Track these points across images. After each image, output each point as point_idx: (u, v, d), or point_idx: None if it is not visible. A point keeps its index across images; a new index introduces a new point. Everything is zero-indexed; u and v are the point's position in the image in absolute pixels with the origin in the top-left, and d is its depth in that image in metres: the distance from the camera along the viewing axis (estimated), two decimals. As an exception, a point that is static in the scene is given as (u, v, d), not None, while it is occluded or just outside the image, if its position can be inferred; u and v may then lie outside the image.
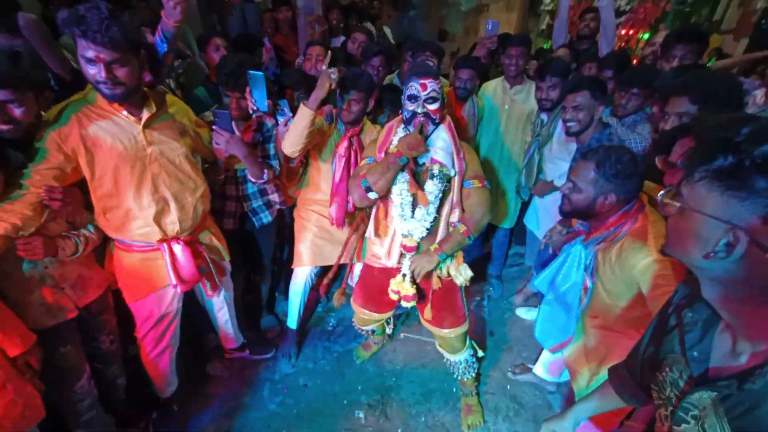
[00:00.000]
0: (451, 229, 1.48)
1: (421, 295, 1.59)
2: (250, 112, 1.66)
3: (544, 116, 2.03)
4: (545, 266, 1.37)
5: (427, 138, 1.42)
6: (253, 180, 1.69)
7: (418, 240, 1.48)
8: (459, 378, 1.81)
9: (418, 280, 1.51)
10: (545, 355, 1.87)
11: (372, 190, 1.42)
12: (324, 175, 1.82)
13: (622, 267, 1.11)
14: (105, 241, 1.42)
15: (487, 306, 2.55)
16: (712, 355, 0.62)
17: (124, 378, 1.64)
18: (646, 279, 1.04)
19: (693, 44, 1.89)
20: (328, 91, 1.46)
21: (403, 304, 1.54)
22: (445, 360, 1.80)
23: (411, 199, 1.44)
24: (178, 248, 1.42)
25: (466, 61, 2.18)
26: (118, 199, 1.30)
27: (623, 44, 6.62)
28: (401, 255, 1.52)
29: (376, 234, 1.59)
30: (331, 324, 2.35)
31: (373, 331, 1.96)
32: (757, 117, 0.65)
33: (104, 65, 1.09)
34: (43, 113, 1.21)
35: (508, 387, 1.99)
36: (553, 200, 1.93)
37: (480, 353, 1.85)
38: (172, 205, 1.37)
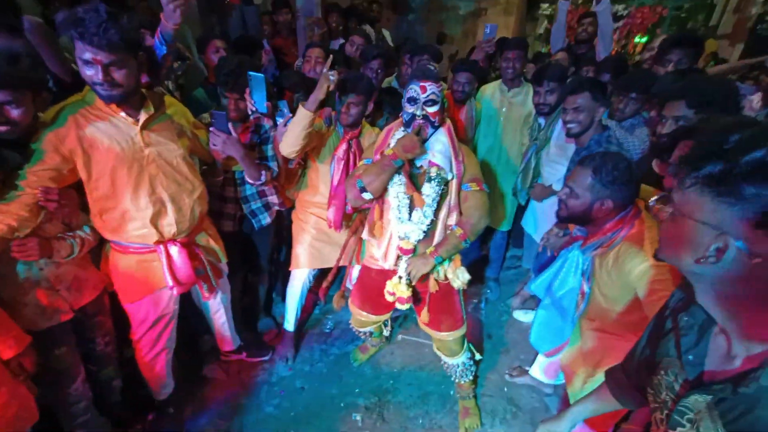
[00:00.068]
0: (448, 232, 1.48)
1: (416, 297, 1.59)
2: (249, 113, 1.66)
3: (541, 120, 2.04)
4: (543, 270, 1.37)
5: (425, 141, 1.42)
6: (250, 181, 1.69)
7: (415, 243, 1.48)
8: (456, 381, 1.81)
9: (414, 283, 1.51)
10: (542, 358, 1.87)
11: (367, 191, 1.42)
12: (322, 177, 1.82)
13: (618, 272, 1.11)
14: (101, 242, 1.42)
15: (485, 308, 2.55)
16: (707, 359, 0.62)
17: (120, 380, 1.64)
18: (643, 284, 1.04)
19: (688, 49, 1.91)
20: (327, 92, 1.47)
21: (398, 306, 1.54)
22: (442, 363, 1.80)
23: (408, 201, 1.44)
24: (174, 250, 1.41)
25: (464, 64, 2.19)
26: (115, 200, 1.29)
27: (620, 49, 6.68)
28: (398, 257, 1.52)
29: (371, 234, 1.59)
30: (328, 326, 2.35)
31: (370, 333, 1.96)
32: (758, 121, 0.66)
33: (102, 67, 1.09)
34: (40, 114, 1.21)
35: (506, 389, 1.99)
36: (551, 204, 1.94)
37: (477, 356, 1.86)
38: (169, 207, 1.37)
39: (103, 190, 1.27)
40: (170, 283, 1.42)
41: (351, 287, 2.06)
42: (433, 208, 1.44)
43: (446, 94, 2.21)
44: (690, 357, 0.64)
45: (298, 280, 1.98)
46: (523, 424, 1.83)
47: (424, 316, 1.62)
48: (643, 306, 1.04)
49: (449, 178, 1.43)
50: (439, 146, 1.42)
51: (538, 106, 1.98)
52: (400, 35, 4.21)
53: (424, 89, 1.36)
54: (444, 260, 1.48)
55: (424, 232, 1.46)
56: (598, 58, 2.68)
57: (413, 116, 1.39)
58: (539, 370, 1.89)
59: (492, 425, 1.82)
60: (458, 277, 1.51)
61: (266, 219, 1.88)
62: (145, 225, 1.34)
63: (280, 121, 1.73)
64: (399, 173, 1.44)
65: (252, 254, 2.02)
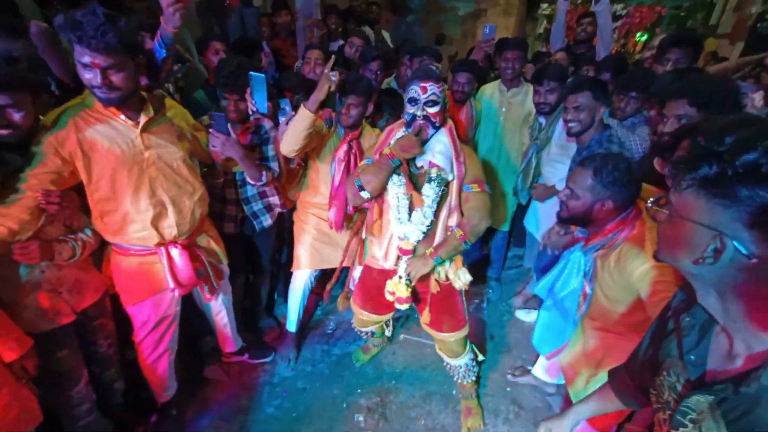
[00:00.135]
0: (448, 233, 1.49)
1: (416, 298, 1.59)
2: (250, 113, 1.66)
3: (542, 120, 2.04)
4: (545, 270, 1.37)
5: (426, 141, 1.42)
6: (251, 182, 1.69)
7: (415, 243, 1.48)
8: (459, 381, 1.80)
9: (413, 283, 1.51)
10: (542, 357, 1.87)
11: (365, 190, 1.43)
12: (323, 178, 1.82)
13: (620, 273, 1.11)
14: (102, 244, 1.42)
15: (487, 308, 2.55)
16: (708, 359, 0.62)
17: (123, 382, 1.64)
18: (645, 285, 1.04)
19: (687, 48, 1.91)
20: (327, 93, 1.46)
21: (398, 306, 1.54)
22: (445, 363, 1.79)
23: (407, 202, 1.44)
24: (175, 252, 1.42)
25: (463, 64, 2.19)
26: (116, 203, 1.29)
27: (620, 48, 6.68)
28: (398, 257, 1.52)
29: (369, 233, 1.59)
30: (330, 327, 2.35)
31: (372, 333, 1.96)
32: (761, 119, 0.66)
33: (100, 70, 1.09)
34: (41, 117, 1.21)
35: (508, 389, 1.99)
36: (553, 203, 1.94)
37: (480, 357, 1.85)
38: (170, 209, 1.37)
39: (103, 193, 1.27)
40: (171, 284, 1.42)
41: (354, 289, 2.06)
42: (433, 209, 1.43)
43: (446, 94, 2.21)
44: (692, 357, 0.64)
45: (300, 280, 1.98)
46: (526, 423, 1.83)
47: (425, 316, 1.62)
48: (646, 307, 1.04)
49: (449, 179, 1.43)
50: (440, 147, 1.41)
51: (538, 106, 1.99)
52: (399, 36, 4.21)
53: (424, 90, 1.36)
54: (443, 261, 1.47)
55: (424, 233, 1.46)
56: (598, 58, 2.68)
57: (414, 117, 1.39)
58: (541, 370, 1.89)
59: (495, 425, 1.82)
60: (460, 278, 1.51)
61: (267, 220, 1.88)
62: (145, 227, 1.34)
63: (282, 119, 1.73)
64: (399, 174, 1.44)
65: (253, 256, 2.02)
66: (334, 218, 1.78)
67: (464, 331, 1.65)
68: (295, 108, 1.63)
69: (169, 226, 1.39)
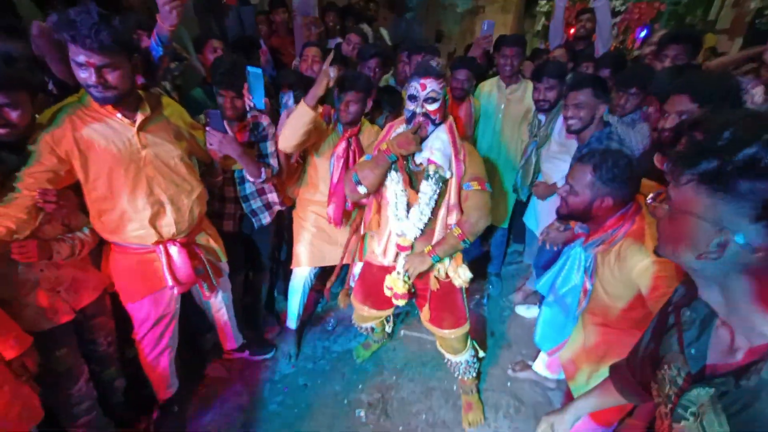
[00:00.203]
0: (447, 231, 1.49)
1: (411, 294, 1.58)
2: (248, 109, 1.65)
3: (541, 117, 2.04)
4: (545, 267, 1.37)
5: (425, 138, 1.42)
6: (251, 179, 1.69)
7: (412, 240, 1.48)
8: (459, 377, 1.81)
9: (411, 280, 1.51)
10: (544, 353, 1.88)
11: (361, 184, 1.43)
12: (322, 175, 1.82)
13: (621, 269, 1.12)
14: (101, 243, 1.42)
15: (487, 304, 2.56)
16: (709, 353, 0.62)
17: (123, 380, 1.64)
18: (645, 280, 1.05)
19: (686, 44, 1.91)
20: (326, 88, 1.45)
21: (394, 301, 1.54)
22: (445, 360, 1.80)
23: (405, 199, 1.44)
24: (174, 250, 1.42)
25: (462, 61, 2.19)
26: (113, 201, 1.29)
27: (619, 44, 6.67)
28: (397, 254, 1.52)
29: (366, 228, 1.59)
30: (330, 324, 2.35)
31: (372, 329, 1.96)
32: (762, 114, 0.66)
33: (95, 69, 1.08)
34: (37, 116, 1.20)
35: (509, 384, 2.00)
36: (553, 199, 1.94)
37: (481, 353, 1.85)
38: (168, 208, 1.37)
39: (100, 192, 1.27)
40: (170, 282, 1.42)
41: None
42: (431, 206, 1.43)
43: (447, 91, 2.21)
44: (692, 351, 0.64)
45: (300, 278, 1.98)
46: (527, 418, 1.84)
47: (425, 313, 1.62)
48: (647, 302, 1.05)
49: (447, 176, 1.42)
50: (439, 144, 1.41)
51: (537, 103, 1.98)
52: (397, 34, 4.19)
53: (424, 86, 1.35)
54: (441, 259, 1.47)
55: (421, 230, 1.46)
56: (597, 54, 2.67)
57: (413, 113, 1.39)
58: (542, 366, 1.89)
59: (495, 420, 1.83)
60: (460, 275, 1.51)
61: (266, 218, 1.88)
62: (143, 226, 1.34)
63: (283, 112, 1.73)
64: (397, 170, 1.44)
65: (253, 253, 2.02)
66: (333, 214, 1.78)
67: (465, 328, 1.65)
68: (297, 103, 1.62)
69: (167, 225, 1.39)
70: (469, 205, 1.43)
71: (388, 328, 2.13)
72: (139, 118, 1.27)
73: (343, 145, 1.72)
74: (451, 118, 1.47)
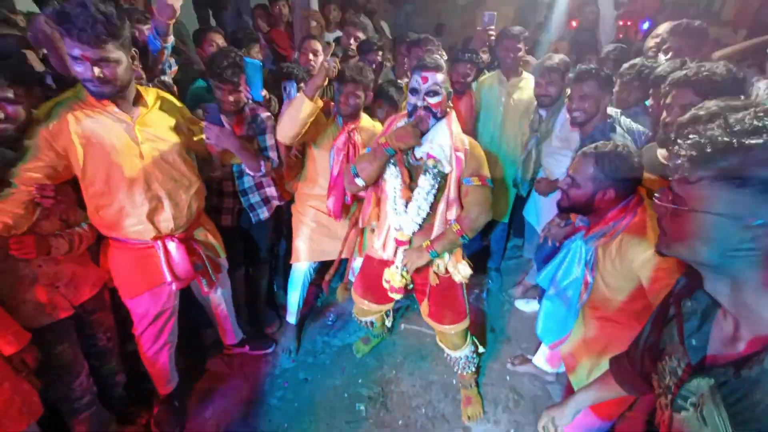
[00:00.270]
0: (447, 226, 1.47)
1: (408, 289, 1.58)
2: (246, 100, 1.64)
3: (543, 112, 2.01)
4: (546, 261, 1.37)
5: (426, 132, 1.41)
6: (250, 173, 1.68)
7: (410, 235, 1.47)
8: (459, 372, 1.81)
9: (410, 274, 1.51)
10: (545, 347, 1.88)
11: (359, 177, 1.42)
12: (321, 170, 1.81)
13: (622, 261, 1.11)
14: (100, 238, 1.41)
15: (486, 299, 2.56)
16: (709, 344, 0.62)
17: (123, 375, 1.65)
18: (647, 272, 1.04)
19: (691, 37, 1.89)
20: (325, 79, 1.43)
21: (390, 294, 1.54)
22: (445, 355, 1.80)
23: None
24: (172, 245, 1.41)
25: (463, 54, 2.16)
26: (111, 197, 1.28)
27: (621, 35, 6.59)
28: (396, 248, 1.52)
29: (365, 222, 1.59)
30: (330, 318, 2.35)
31: (372, 323, 1.96)
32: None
33: (90, 63, 1.07)
34: (33, 110, 1.20)
35: (508, 378, 2.00)
36: (554, 194, 1.93)
37: (481, 349, 1.85)
38: (166, 203, 1.36)
39: (98, 187, 1.26)
40: (168, 278, 1.42)
41: (354, 280, 2.06)
42: (429, 201, 1.42)
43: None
44: (692, 342, 0.64)
45: (299, 273, 1.98)
46: (526, 411, 1.84)
47: (424, 308, 1.62)
48: (648, 294, 1.04)
49: (446, 171, 1.40)
50: (439, 138, 1.39)
51: (539, 98, 1.96)
52: (397, 26, 4.16)
53: (425, 79, 1.33)
54: (439, 255, 1.46)
55: (419, 224, 1.45)
56: (600, 46, 2.64)
57: (415, 107, 1.37)
58: (542, 359, 1.89)
59: (495, 413, 1.84)
60: (459, 271, 1.50)
61: (264, 213, 1.87)
62: (141, 221, 1.33)
63: (285, 102, 1.71)
64: (395, 164, 1.43)
65: (252, 248, 2.02)
66: (332, 207, 1.77)
67: (465, 324, 1.65)
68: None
69: (165, 220, 1.38)
70: (470, 200, 1.42)
71: (388, 323, 2.14)
72: (137, 112, 1.26)
73: (342, 138, 1.71)
74: (453, 112, 1.45)
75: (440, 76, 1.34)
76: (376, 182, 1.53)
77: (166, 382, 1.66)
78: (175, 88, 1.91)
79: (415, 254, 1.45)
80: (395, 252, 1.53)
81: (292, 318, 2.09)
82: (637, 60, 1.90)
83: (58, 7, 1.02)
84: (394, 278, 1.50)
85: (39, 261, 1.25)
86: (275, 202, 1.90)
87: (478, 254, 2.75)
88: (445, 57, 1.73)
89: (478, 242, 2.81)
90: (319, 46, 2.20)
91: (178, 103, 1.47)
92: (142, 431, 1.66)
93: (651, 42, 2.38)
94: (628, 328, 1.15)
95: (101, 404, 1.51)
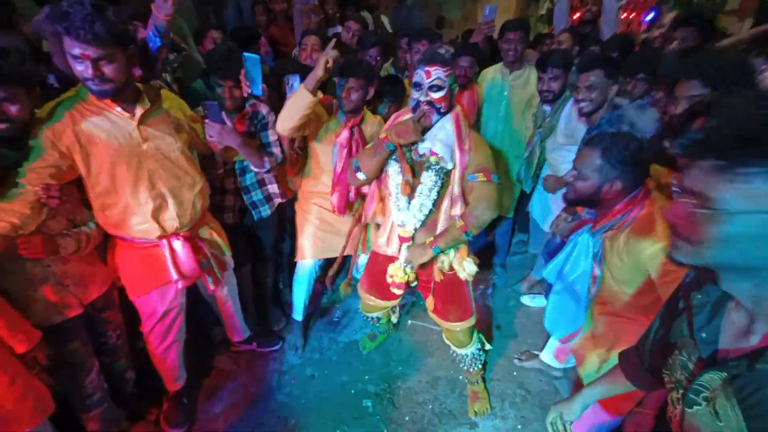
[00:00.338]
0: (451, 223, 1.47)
1: (409, 285, 1.57)
2: (245, 95, 1.64)
3: (546, 108, 1.99)
4: (552, 255, 1.36)
5: (429, 128, 1.39)
6: (255, 169, 1.67)
7: (412, 231, 1.46)
8: (465, 368, 1.81)
9: (414, 270, 1.50)
10: (552, 342, 1.87)
11: (360, 171, 1.42)
12: (324, 166, 1.81)
13: (629, 254, 1.10)
14: (107, 237, 1.42)
15: (492, 295, 2.55)
16: (720, 337, 0.61)
17: (133, 372, 1.66)
18: (655, 265, 1.03)
19: (696, 27, 1.86)
20: (325, 70, 1.40)
21: (392, 290, 1.54)
22: (451, 351, 1.79)
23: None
24: (177, 244, 1.42)
25: (464, 48, 2.14)
26: (116, 196, 1.29)
27: (624, 28, 6.50)
28: (400, 244, 1.51)
29: (371, 216, 1.60)
30: (336, 315, 2.36)
31: (378, 319, 1.97)
32: None
33: (91, 62, 1.07)
34: (36, 110, 1.20)
35: (515, 373, 2.00)
36: (561, 191, 1.91)
37: (488, 346, 1.84)
38: (170, 201, 1.37)
39: (103, 186, 1.27)
40: (174, 276, 1.43)
41: (357, 276, 2.06)
42: (432, 198, 1.41)
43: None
44: (703, 335, 0.63)
45: (304, 270, 1.98)
46: (533, 407, 1.84)
47: (429, 303, 1.61)
48: (657, 288, 1.03)
49: (449, 168, 1.39)
50: (442, 134, 1.38)
51: (542, 93, 1.94)
52: (398, 21, 4.12)
53: (428, 74, 1.32)
54: (442, 251, 1.45)
55: (422, 221, 1.44)
56: (603, 38, 2.61)
57: (418, 102, 1.36)
58: (549, 355, 1.89)
59: (501, 409, 1.84)
60: (464, 268, 1.49)
61: (267, 210, 1.87)
62: (146, 220, 1.34)
63: (288, 95, 1.70)
64: (398, 161, 1.43)
65: (256, 246, 2.03)
66: (336, 203, 1.77)
67: (471, 321, 1.64)
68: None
69: (170, 219, 1.39)
70: (474, 196, 1.39)
71: (394, 319, 2.14)
72: (139, 111, 1.26)
73: (345, 134, 1.70)
74: (458, 108, 1.43)
75: (444, 71, 1.32)
76: (379, 177, 1.52)
77: (175, 379, 1.68)
78: (175, 87, 1.91)
79: (419, 251, 1.45)
80: (399, 248, 1.53)
81: (298, 315, 2.09)
82: (642, 51, 1.88)
83: (57, 5, 1.02)
84: (397, 274, 1.50)
85: (48, 261, 1.25)
86: (277, 200, 1.90)
87: (483, 250, 2.75)
88: (452, 51, 1.71)
89: (483, 238, 2.80)
90: (319, 42, 2.19)
91: (179, 101, 1.47)
92: (152, 427, 1.69)
93: (656, 32, 2.35)
94: (637, 322, 1.15)
95: (112, 401, 1.53)
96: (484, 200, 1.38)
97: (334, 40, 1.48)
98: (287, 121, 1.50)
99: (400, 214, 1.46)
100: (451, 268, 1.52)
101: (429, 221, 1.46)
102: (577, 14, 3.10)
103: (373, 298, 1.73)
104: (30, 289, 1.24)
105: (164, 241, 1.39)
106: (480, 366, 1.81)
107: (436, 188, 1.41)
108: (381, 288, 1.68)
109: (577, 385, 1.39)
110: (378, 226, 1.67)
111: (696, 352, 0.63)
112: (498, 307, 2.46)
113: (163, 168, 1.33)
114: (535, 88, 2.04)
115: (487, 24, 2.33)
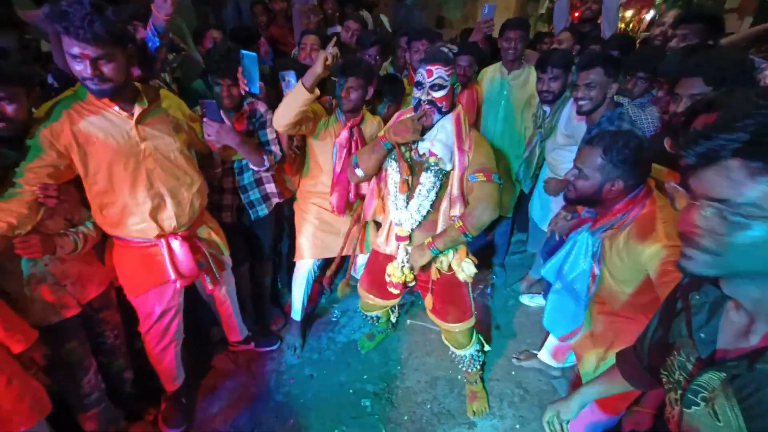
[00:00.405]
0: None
1: (406, 285, 1.57)
2: (243, 93, 1.63)
3: (546, 108, 1.98)
4: (552, 254, 1.35)
5: (429, 128, 1.39)
6: (254, 168, 1.67)
7: (410, 231, 1.46)
8: (464, 369, 1.81)
9: (415, 272, 1.50)
10: (550, 341, 1.87)
11: (359, 167, 1.43)
12: (323, 166, 1.80)
13: (629, 253, 1.09)
14: (105, 237, 1.42)
15: (491, 294, 2.55)
16: (719, 337, 0.61)
17: (131, 372, 1.66)
18: (654, 265, 1.02)
19: (696, 24, 1.85)
20: (324, 67, 1.39)
21: (389, 288, 1.53)
22: (450, 352, 1.79)
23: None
24: (176, 243, 1.41)
25: (463, 47, 2.14)
26: (114, 195, 1.29)
27: (625, 26, 6.50)
28: (398, 243, 1.51)
29: (371, 214, 1.60)
30: (335, 315, 2.36)
31: (377, 318, 1.96)
32: None
33: (90, 61, 1.07)
34: (33, 110, 1.20)
35: (513, 373, 2.00)
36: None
37: (487, 347, 1.84)
38: (168, 201, 1.36)
39: (101, 186, 1.27)
40: (173, 276, 1.42)
41: (356, 275, 2.06)
42: (430, 199, 1.40)
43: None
44: (701, 335, 0.63)
45: (303, 270, 1.98)
46: (531, 406, 1.84)
47: (428, 301, 1.61)
48: (656, 287, 1.02)
49: (447, 168, 1.38)
50: (442, 135, 1.37)
51: (541, 94, 1.93)
52: (398, 20, 4.11)
53: (430, 73, 1.31)
54: (441, 252, 1.44)
55: (418, 221, 1.44)
56: (603, 37, 2.60)
57: (419, 101, 1.35)
58: (547, 354, 1.89)
59: (500, 408, 1.83)
60: (463, 269, 1.48)
61: (264, 210, 1.87)
62: (144, 219, 1.34)
63: (287, 91, 1.70)
64: (396, 160, 1.42)
65: (254, 245, 2.02)
66: (335, 203, 1.76)
67: (470, 323, 1.63)
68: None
69: (168, 218, 1.38)
70: (474, 196, 1.38)
71: (393, 318, 2.14)
72: (137, 110, 1.25)
73: (345, 134, 1.69)
74: (459, 107, 1.42)
75: (446, 70, 1.31)
76: (379, 175, 1.52)
77: (173, 378, 1.68)
78: (174, 87, 1.90)
79: (417, 252, 1.45)
80: (397, 247, 1.53)
81: (296, 315, 2.09)
82: (642, 50, 1.87)
83: (55, 4, 1.02)
84: (394, 273, 1.49)
85: (45, 260, 1.25)
86: (275, 199, 1.89)
87: (483, 249, 2.74)
88: (455, 49, 1.69)
89: (483, 238, 2.79)
90: (318, 41, 2.18)
91: (178, 101, 1.47)
92: (149, 427, 1.68)
93: (657, 30, 2.34)
94: (635, 322, 1.15)
95: (110, 401, 1.53)
96: (484, 200, 1.36)
97: (335, 38, 1.47)
98: (284, 117, 1.49)
99: (398, 213, 1.45)
100: (450, 268, 1.52)
101: (427, 221, 1.46)
102: (577, 13, 3.10)
103: (372, 296, 1.73)
104: (27, 288, 1.23)
105: (162, 240, 1.39)
106: (479, 367, 1.81)
107: (435, 189, 1.40)
108: (380, 287, 1.67)
109: (575, 385, 1.39)
110: (378, 225, 1.67)
111: (695, 352, 0.63)
112: (497, 306, 2.46)
113: (161, 167, 1.33)
114: (534, 88, 2.04)
115: (486, 23, 2.32)
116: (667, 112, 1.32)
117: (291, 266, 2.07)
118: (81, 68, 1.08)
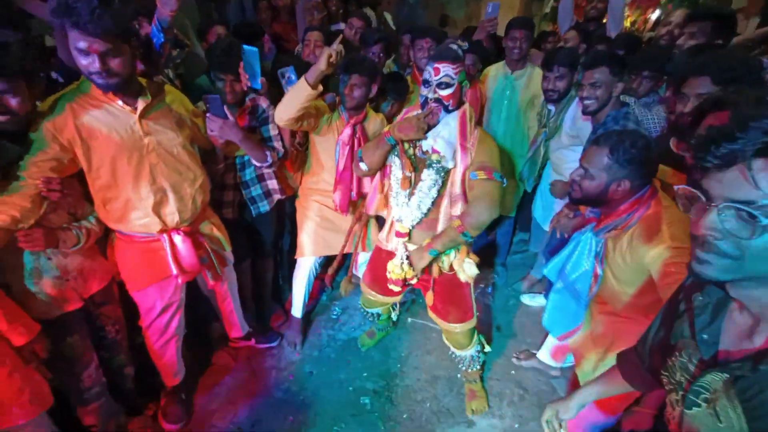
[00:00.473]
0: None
1: (405, 283, 1.56)
2: (245, 88, 1.63)
3: (551, 107, 1.98)
4: (554, 253, 1.35)
5: (435, 125, 1.38)
6: (257, 164, 1.67)
7: (410, 227, 1.46)
8: (464, 369, 1.80)
9: (418, 273, 1.49)
10: (549, 341, 1.87)
11: (363, 161, 1.44)
12: (325, 163, 1.80)
13: (633, 254, 1.08)
14: (107, 232, 1.42)
15: (492, 294, 2.55)
16: (722, 338, 0.60)
17: (132, 367, 1.67)
18: (657, 266, 1.01)
19: (706, 23, 1.83)
20: (328, 64, 1.38)
21: (389, 285, 1.53)
22: (450, 352, 1.79)
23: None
24: (178, 239, 1.42)
25: (468, 46, 2.12)
26: (117, 190, 1.29)
27: (631, 25, 6.45)
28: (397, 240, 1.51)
29: (374, 209, 1.61)
30: (335, 312, 2.36)
31: (378, 315, 1.96)
32: None
33: (98, 56, 1.07)
34: (37, 104, 1.20)
35: (513, 372, 2.00)
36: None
37: (487, 348, 1.84)
38: (171, 196, 1.36)
39: (104, 180, 1.27)
40: (175, 271, 1.43)
41: (357, 273, 2.06)
42: (432, 196, 1.40)
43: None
44: (704, 336, 0.62)
45: (305, 267, 1.98)
46: (531, 406, 1.84)
47: (428, 298, 1.61)
48: (658, 288, 1.02)
49: (449, 166, 1.37)
50: (446, 132, 1.36)
51: (546, 93, 1.92)
52: (401, 18, 4.10)
53: (437, 71, 1.30)
54: (440, 253, 1.43)
55: (419, 218, 1.43)
56: (609, 36, 2.59)
57: (426, 99, 1.35)
58: (547, 354, 1.89)
59: (499, 407, 1.83)
60: (465, 270, 1.47)
61: (265, 206, 1.87)
62: (147, 214, 1.34)
63: (288, 88, 1.70)
64: (399, 156, 1.42)
65: (256, 242, 2.03)
66: (338, 201, 1.76)
67: (471, 323, 1.62)
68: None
69: (171, 213, 1.38)
70: (473, 195, 1.36)
71: (394, 316, 2.14)
72: (140, 105, 1.25)
73: (348, 132, 1.69)
74: (466, 105, 1.41)
75: (454, 67, 1.30)
76: (383, 170, 1.52)
77: (173, 374, 1.68)
78: (178, 83, 1.90)
79: (417, 255, 1.44)
80: (397, 244, 1.53)
81: (297, 312, 2.09)
82: (648, 49, 1.86)
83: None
84: (394, 270, 1.49)
85: (48, 254, 1.25)
86: (276, 196, 1.90)
87: (484, 249, 2.74)
88: (465, 46, 1.68)
89: (484, 237, 2.79)
90: (321, 38, 2.18)
91: (181, 96, 1.47)
92: (149, 422, 1.69)
93: (663, 30, 2.33)
94: (636, 323, 1.14)
95: (110, 395, 1.53)
96: (483, 199, 1.34)
97: (341, 35, 1.46)
98: (285, 112, 1.49)
99: (399, 209, 1.45)
100: (452, 268, 1.51)
101: (427, 219, 1.45)
102: (582, 12, 3.08)
103: (374, 293, 1.73)
104: (30, 282, 1.24)
105: (165, 235, 1.39)
106: (479, 367, 1.81)
107: (436, 186, 1.40)
108: (383, 283, 1.67)
109: (575, 385, 1.39)
110: (382, 222, 1.67)
111: (697, 353, 0.63)
112: (498, 306, 2.46)
113: (164, 162, 1.33)
114: (538, 88, 2.03)
115: (490, 21, 2.32)
116: (673, 112, 1.31)
117: (292, 263, 2.07)
118: (88, 63, 1.08)
